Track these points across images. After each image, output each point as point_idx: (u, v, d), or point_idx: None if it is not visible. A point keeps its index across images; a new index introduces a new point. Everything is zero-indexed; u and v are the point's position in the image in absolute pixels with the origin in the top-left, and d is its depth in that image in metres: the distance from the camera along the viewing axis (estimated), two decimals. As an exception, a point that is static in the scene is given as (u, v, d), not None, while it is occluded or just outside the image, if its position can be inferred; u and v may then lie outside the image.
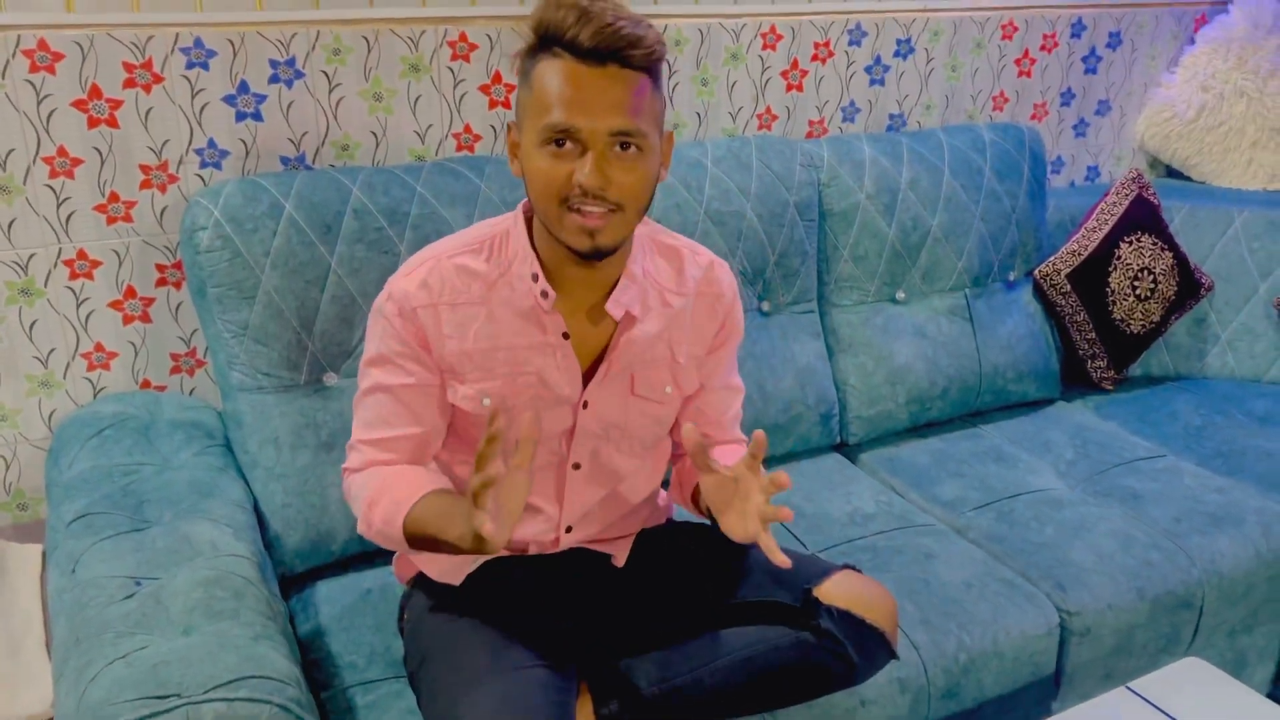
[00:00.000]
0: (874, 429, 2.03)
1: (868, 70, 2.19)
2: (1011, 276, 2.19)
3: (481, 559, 1.32)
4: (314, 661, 1.41)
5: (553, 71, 1.11)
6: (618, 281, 1.26)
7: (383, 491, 1.20)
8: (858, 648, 1.30)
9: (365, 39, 1.71)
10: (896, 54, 2.20)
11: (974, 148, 2.13)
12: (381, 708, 1.32)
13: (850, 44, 2.14)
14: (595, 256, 1.17)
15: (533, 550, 1.36)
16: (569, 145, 1.12)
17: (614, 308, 1.26)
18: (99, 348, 1.68)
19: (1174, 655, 1.71)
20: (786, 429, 1.92)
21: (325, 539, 1.56)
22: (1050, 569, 1.67)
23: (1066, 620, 1.60)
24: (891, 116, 2.26)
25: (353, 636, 1.45)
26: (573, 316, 1.27)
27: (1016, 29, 2.32)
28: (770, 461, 1.93)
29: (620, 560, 1.39)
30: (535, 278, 1.23)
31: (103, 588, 1.23)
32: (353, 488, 1.26)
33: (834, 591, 1.32)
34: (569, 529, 1.35)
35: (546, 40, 1.12)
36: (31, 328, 1.63)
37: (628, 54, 1.10)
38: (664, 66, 1.21)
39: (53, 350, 1.65)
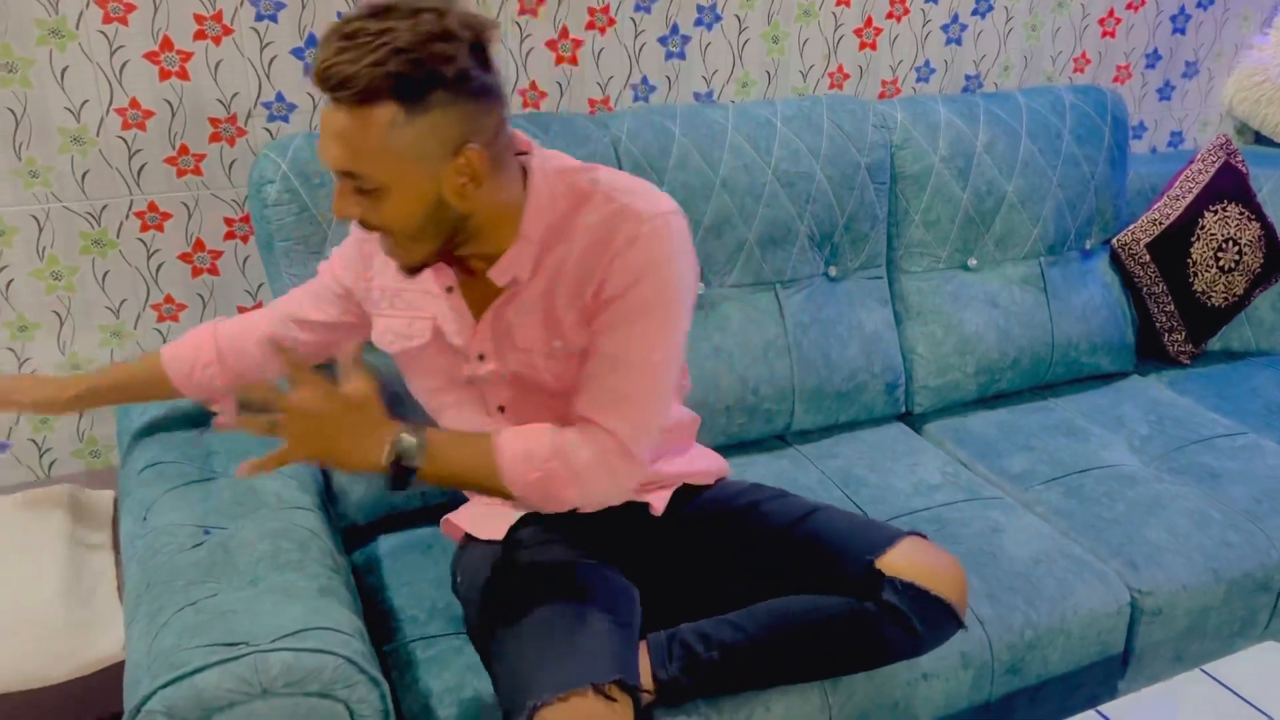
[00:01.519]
0: (940, 399, 1.98)
1: (944, 29, 2.12)
2: (1088, 245, 2.11)
3: (520, 512, 1.33)
4: (375, 615, 1.42)
5: None
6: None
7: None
8: (923, 619, 1.27)
9: (433, -8, 1.69)
10: (975, 12, 2.13)
11: (1053, 110, 2.06)
12: (442, 662, 1.33)
13: (927, 1, 2.07)
14: (409, 274, 1.18)
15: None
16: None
17: (497, 275, 1.20)
18: (169, 299, 1.70)
19: (1249, 639, 1.66)
20: (850, 397, 1.88)
21: (387, 493, 1.57)
22: (1121, 547, 1.62)
23: (1138, 599, 1.56)
24: (968, 78, 2.19)
25: (414, 591, 1.46)
26: (472, 280, 1.25)
27: (1102, -13, 2.23)
28: (833, 430, 1.90)
29: (657, 508, 1.36)
30: None
31: (173, 535, 1.25)
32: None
33: (899, 562, 1.29)
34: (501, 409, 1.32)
35: None
36: (104, 278, 1.65)
37: (336, 95, 1.02)
38: (418, 90, 1.03)
39: (124, 301, 1.67)
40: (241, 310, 1.75)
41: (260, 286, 1.74)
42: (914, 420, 2.00)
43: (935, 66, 2.15)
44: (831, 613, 1.28)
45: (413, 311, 1.29)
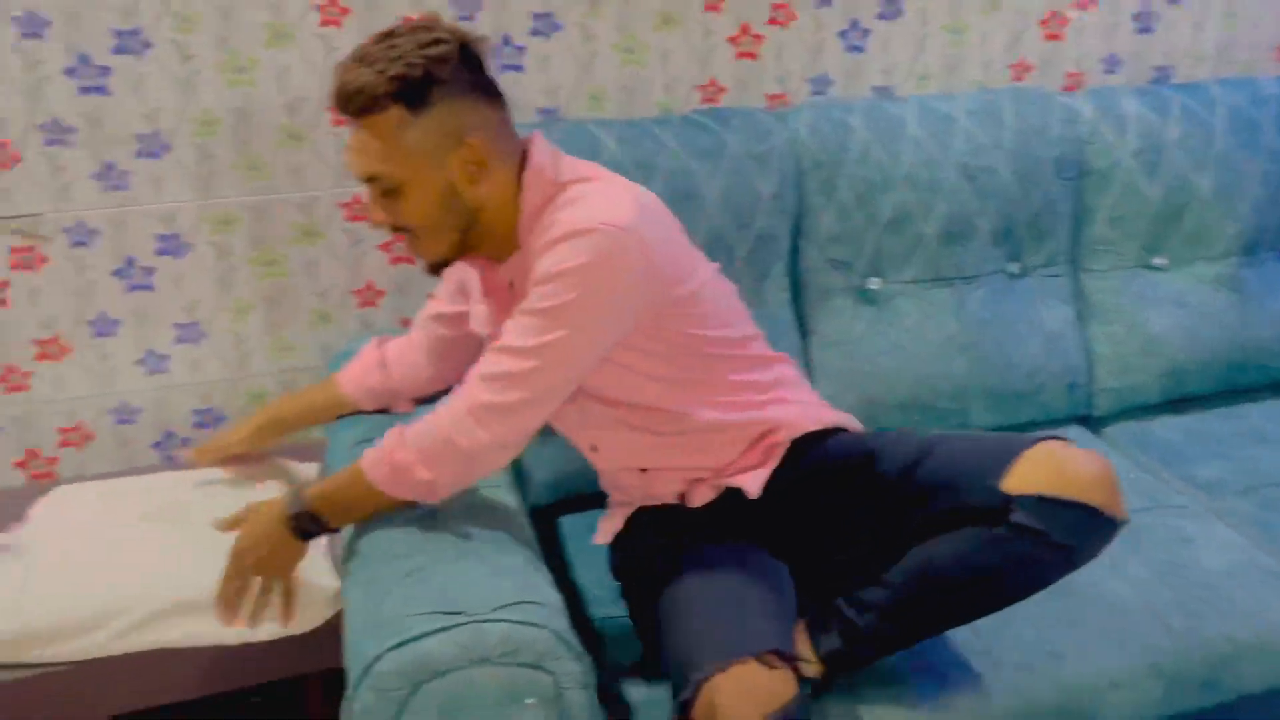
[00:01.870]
0: (1122, 402, 1.92)
1: (1135, 18, 2.05)
2: (1289, 244, 2.01)
3: (628, 513, 1.41)
4: (560, 592, 1.48)
5: None
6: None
7: None
8: (1066, 530, 1.20)
9: (622, -9, 1.74)
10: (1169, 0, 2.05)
11: (1253, 102, 1.97)
12: (625, 642, 1.37)
13: (1118, -10, 2.01)
14: (432, 272, 1.31)
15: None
16: None
17: (502, 280, 1.31)
18: (369, 286, 1.80)
19: None
20: (1028, 397, 1.85)
21: (571, 476, 1.62)
22: (1325, 562, 1.55)
23: (1344, 618, 1.49)
24: (1157, 70, 2.11)
25: (597, 572, 1.51)
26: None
27: (1308, -30, 2.11)
28: (1009, 429, 1.86)
29: (752, 491, 1.33)
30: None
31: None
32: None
33: (1025, 477, 1.21)
34: (594, 448, 1.41)
35: None
36: (312, 266, 1.76)
37: (349, 110, 1.19)
38: (418, 90, 1.16)
39: (330, 287, 1.78)
40: (430, 297, 1.83)
41: (451, 275, 1.83)
42: (1093, 423, 1.95)
43: (1123, 58, 2.07)
44: (969, 548, 1.23)
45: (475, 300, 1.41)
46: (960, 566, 1.24)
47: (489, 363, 1.23)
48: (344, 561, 1.32)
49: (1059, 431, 1.79)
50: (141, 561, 1.40)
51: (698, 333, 1.30)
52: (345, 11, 1.63)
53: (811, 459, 1.35)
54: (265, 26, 1.61)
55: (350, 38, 1.64)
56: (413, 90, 1.17)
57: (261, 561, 1.28)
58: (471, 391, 1.23)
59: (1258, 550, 1.57)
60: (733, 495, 1.35)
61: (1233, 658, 1.42)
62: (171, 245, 1.69)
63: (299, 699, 1.51)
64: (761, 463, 1.34)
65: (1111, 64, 2.07)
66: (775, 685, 1.14)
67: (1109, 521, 1.23)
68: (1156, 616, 1.42)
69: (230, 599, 1.29)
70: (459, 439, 1.22)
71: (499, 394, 1.21)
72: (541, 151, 1.28)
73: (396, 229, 1.26)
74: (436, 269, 1.30)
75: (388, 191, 1.22)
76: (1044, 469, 1.22)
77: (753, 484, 1.33)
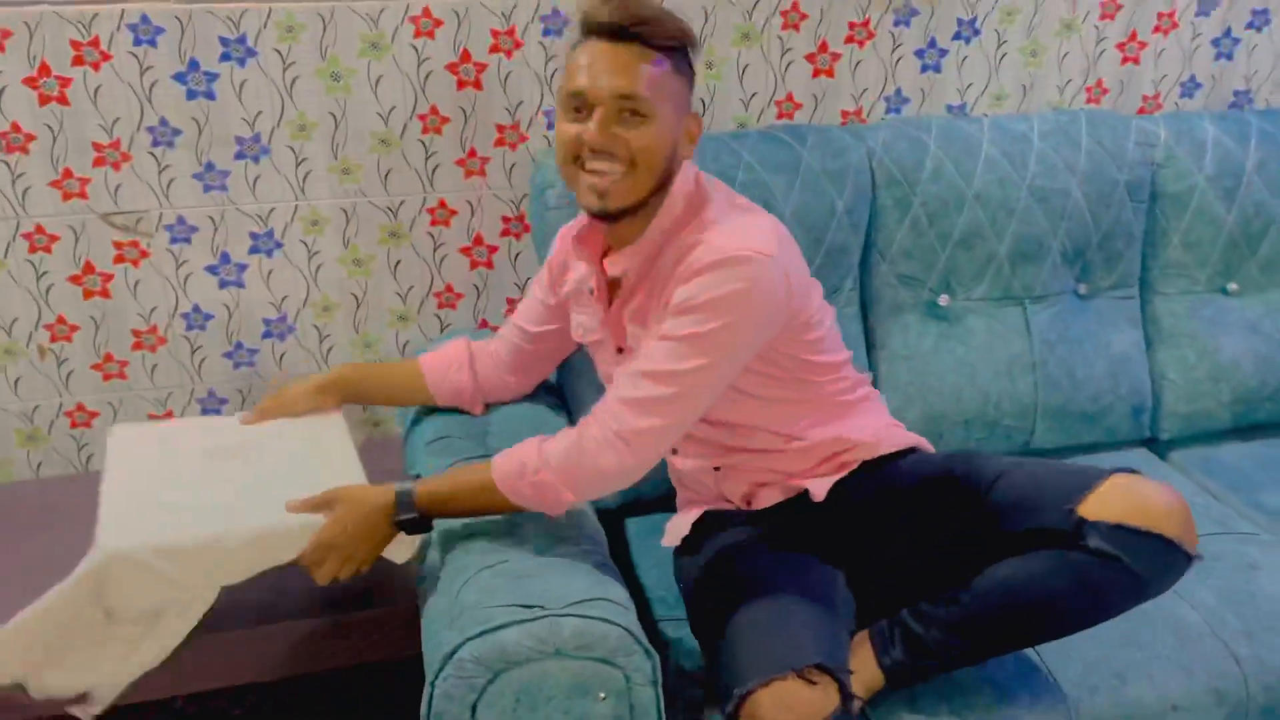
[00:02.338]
0: (1190, 427, 1.92)
1: (1214, 43, 2.04)
2: (1366, 274, 1.99)
3: (695, 516, 1.45)
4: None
5: (579, 50, 1.26)
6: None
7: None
8: (1138, 558, 1.21)
9: (704, 8, 1.78)
10: (1250, 25, 2.04)
11: (1335, 130, 1.95)
12: (690, 643, 1.41)
13: (1198, 14, 2.00)
14: (605, 217, 1.29)
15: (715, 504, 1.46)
16: (583, 111, 1.25)
17: (609, 266, 1.35)
18: (449, 288, 1.87)
19: None
20: (1094, 419, 1.85)
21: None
22: (1396, 596, 1.53)
23: None
24: (1236, 94, 2.10)
25: (660, 573, 1.56)
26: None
27: (1398, -3, 2.08)
28: (1073, 451, 1.87)
29: (818, 494, 1.36)
30: (577, 236, 1.40)
31: (464, 504, 1.39)
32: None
33: (1102, 504, 1.22)
34: (716, 469, 1.44)
35: (584, 29, 1.27)
36: (396, 267, 1.83)
37: (640, 30, 1.23)
38: (686, 56, 1.28)
39: (411, 288, 1.85)
40: (510, 301, 1.90)
41: (528, 281, 1.88)
42: (1159, 447, 1.94)
43: (1201, 81, 2.07)
44: (1042, 569, 1.24)
45: (577, 307, 1.46)
46: (1031, 586, 1.25)
47: (631, 387, 1.25)
48: (424, 556, 1.37)
49: (1130, 461, 1.80)
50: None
51: (807, 357, 1.36)
52: (439, 23, 1.69)
53: (883, 472, 1.39)
54: (361, 38, 1.68)
55: (442, 48, 1.70)
56: (684, 49, 1.28)
57: (352, 553, 1.31)
58: (618, 416, 1.25)
59: (1325, 581, 1.56)
60: (798, 500, 1.39)
61: (1298, 688, 1.42)
62: (266, 243, 1.77)
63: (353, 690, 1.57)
64: (832, 472, 1.38)
65: (1190, 88, 2.07)
66: (816, 700, 1.15)
67: (1183, 555, 1.24)
68: (1221, 642, 1.42)
69: (319, 575, 1.32)
70: (605, 462, 1.25)
71: (644, 419, 1.24)
72: (691, 165, 1.34)
73: (621, 153, 1.24)
74: (616, 216, 1.28)
75: (635, 113, 1.24)
76: (1121, 498, 1.23)
77: (819, 488, 1.37)
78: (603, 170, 1.24)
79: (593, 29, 1.25)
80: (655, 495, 1.69)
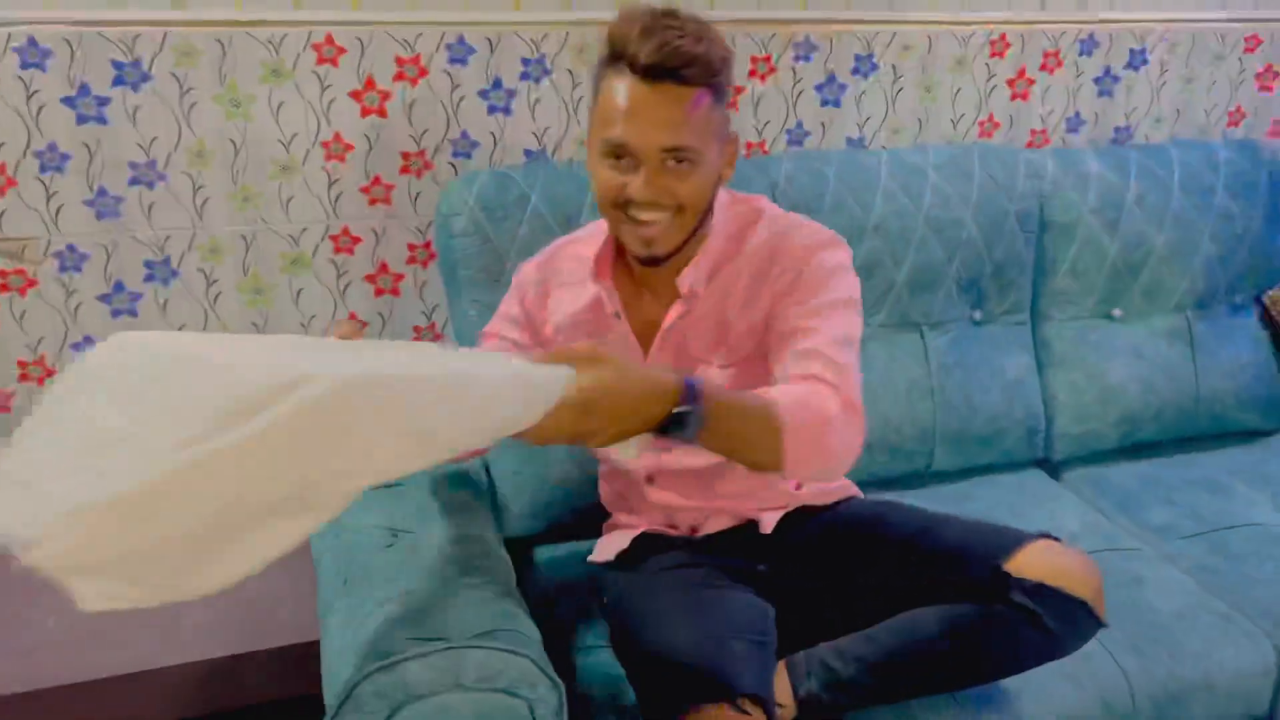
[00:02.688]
0: (1080, 448, 1.99)
1: (1096, 81, 2.14)
2: (1238, 300, 2.10)
3: (634, 534, 1.45)
4: (534, 622, 1.52)
5: (614, 87, 1.20)
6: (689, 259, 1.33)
7: None
8: (1057, 618, 1.27)
9: (609, 40, 1.80)
10: (1129, 65, 2.15)
11: (1207, 165, 2.06)
12: (600, 672, 1.41)
13: (1081, 54, 2.10)
14: (652, 263, 1.28)
15: (639, 511, 1.47)
16: (625, 159, 1.21)
17: (681, 283, 1.33)
18: (352, 316, 1.84)
19: (1401, 711, 1.63)
20: (990, 441, 1.91)
21: (547, 507, 1.66)
22: (1270, 607, 1.61)
23: (1286, 661, 1.55)
24: (1117, 130, 2.21)
25: (570, 602, 1.55)
26: (640, 295, 1.38)
27: (1261, 41, 2.22)
28: (971, 473, 1.93)
29: (766, 526, 1.41)
30: (597, 259, 1.36)
31: (367, 535, 1.37)
32: None
33: (1027, 564, 1.28)
34: (650, 479, 1.44)
35: (614, 53, 1.20)
36: (298, 295, 1.80)
37: (683, 73, 1.16)
38: (727, 79, 1.23)
39: (313, 317, 1.82)
40: (416, 329, 1.88)
41: (435, 308, 1.87)
42: (1052, 467, 2.01)
43: (1085, 118, 2.17)
44: (963, 619, 1.29)
45: (585, 340, 1.38)
46: (949, 633, 1.29)
47: (828, 366, 1.20)
48: (322, 584, 1.34)
49: (1025, 482, 1.92)
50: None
51: None
52: (342, 51, 1.68)
53: (822, 512, 1.45)
54: (262, 64, 1.66)
55: (345, 76, 1.69)
56: (724, 77, 1.21)
57: (616, 427, 1.03)
58: (835, 385, 1.19)
59: (1206, 593, 1.64)
60: (740, 530, 1.43)
61: (1180, 696, 1.48)
62: (162, 271, 1.72)
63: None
64: (780, 507, 1.43)
65: (1075, 123, 2.16)
66: None
67: (1094, 620, 1.30)
68: (1109, 655, 1.47)
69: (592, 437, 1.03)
70: (850, 415, 1.19)
71: (850, 389, 1.21)
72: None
73: (667, 203, 1.22)
74: (659, 261, 1.28)
75: (683, 162, 1.20)
76: (1044, 559, 1.28)
77: (769, 520, 1.42)
78: (651, 220, 1.23)
79: (626, 61, 1.17)
80: (566, 523, 1.70)
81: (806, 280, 1.29)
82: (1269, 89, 2.28)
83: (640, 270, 1.35)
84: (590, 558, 1.52)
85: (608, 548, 1.48)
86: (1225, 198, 2.04)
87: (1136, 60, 2.15)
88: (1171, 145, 2.09)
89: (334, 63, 1.68)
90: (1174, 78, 2.19)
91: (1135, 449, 2.04)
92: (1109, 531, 1.79)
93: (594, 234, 1.40)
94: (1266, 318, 2.14)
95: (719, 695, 1.19)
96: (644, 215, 1.22)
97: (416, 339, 1.88)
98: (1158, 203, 2.00)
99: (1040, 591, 1.26)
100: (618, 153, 1.21)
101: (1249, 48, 2.21)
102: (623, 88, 1.19)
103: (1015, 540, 1.31)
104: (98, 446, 0.83)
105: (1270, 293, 2.13)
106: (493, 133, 1.80)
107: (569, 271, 1.41)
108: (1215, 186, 2.04)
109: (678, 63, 1.16)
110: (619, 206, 1.24)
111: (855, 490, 1.54)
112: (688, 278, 1.32)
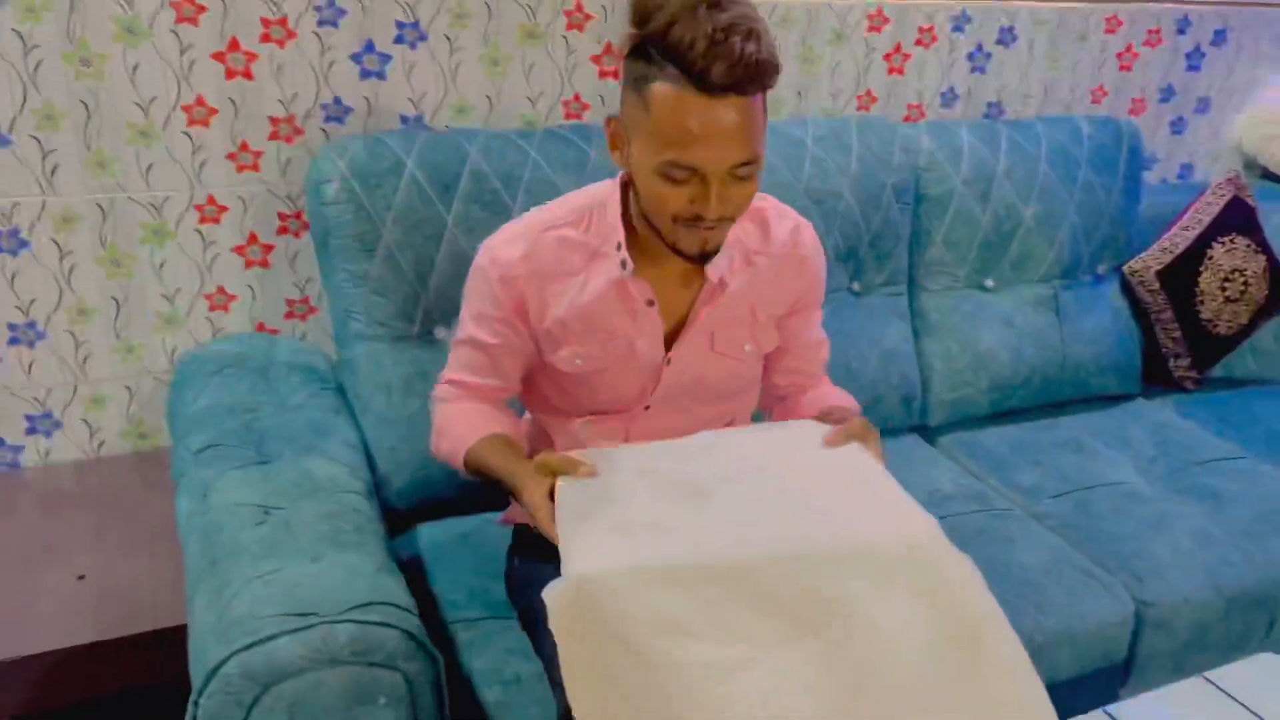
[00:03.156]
0: (954, 413, 2.06)
1: (970, 57, 2.20)
2: (1100, 270, 2.19)
3: None
4: (416, 597, 1.49)
5: (672, 101, 1.09)
6: None
7: (451, 424, 1.34)
8: None
9: (487, 5, 1.77)
10: (999, 42, 2.21)
11: (1072, 140, 2.14)
12: (483, 644, 1.39)
13: (954, 30, 2.16)
14: (702, 261, 1.24)
15: None
16: (687, 176, 1.13)
17: (712, 272, 1.29)
18: (220, 290, 1.77)
19: (1245, 653, 1.72)
20: (868, 409, 1.94)
21: (429, 483, 1.63)
22: (1128, 560, 1.69)
23: (1142, 610, 1.63)
24: (989, 105, 2.27)
25: (453, 576, 1.53)
26: (661, 279, 1.31)
27: (1121, 23, 2.31)
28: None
29: None
30: (619, 247, 1.28)
31: (235, 514, 1.32)
32: (435, 416, 1.39)
33: None
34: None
35: (667, 54, 1.08)
36: (161, 267, 1.72)
37: (753, 85, 1.09)
38: None
39: (179, 290, 1.74)
40: (289, 302, 1.81)
41: (308, 280, 1.81)
42: (928, 433, 2.07)
43: (959, 93, 2.23)
44: None
45: (605, 334, 1.31)
46: None
47: (820, 360, 1.48)
48: (189, 566, 1.29)
49: (902, 446, 1.97)
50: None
51: None
52: (202, 9, 1.60)
53: None
54: (113, 20, 1.57)
55: (208, 36, 1.61)
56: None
57: None
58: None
59: (1070, 549, 1.71)
60: None
61: (1046, 647, 1.55)
62: (9, 242, 1.62)
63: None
64: None
65: (949, 98, 2.22)
66: None
67: None
68: (979, 611, 1.52)
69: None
70: None
71: None
72: None
73: (729, 214, 1.17)
74: (710, 259, 1.24)
75: (747, 175, 1.15)
76: None
77: None
78: (713, 230, 1.18)
79: (689, 73, 1.07)
80: (449, 499, 1.67)
81: (820, 288, 1.42)
82: (1128, 69, 2.38)
83: (663, 259, 1.28)
84: (502, 518, 1.49)
85: (520, 513, 1.44)
86: (1089, 172, 2.13)
87: (1006, 38, 2.21)
88: (1039, 121, 2.17)
89: (194, 22, 1.60)
90: (1041, 56, 2.27)
91: (1006, 414, 2.11)
92: (981, 492, 1.85)
93: (573, 215, 1.31)
94: (1126, 288, 2.24)
95: None
96: (709, 228, 1.17)
97: (289, 313, 1.82)
98: (1026, 176, 2.07)
99: None
100: (680, 174, 1.13)
101: (1109, 29, 2.31)
102: (684, 103, 1.08)
103: None
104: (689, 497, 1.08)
105: (1130, 263, 2.23)
106: (366, 98, 1.74)
107: (557, 260, 1.29)
108: (1080, 160, 2.12)
109: (752, 76, 1.07)
110: (681, 219, 1.17)
111: None
112: (718, 266, 1.29)
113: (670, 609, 0.97)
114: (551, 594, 0.97)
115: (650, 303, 1.31)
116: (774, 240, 1.37)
